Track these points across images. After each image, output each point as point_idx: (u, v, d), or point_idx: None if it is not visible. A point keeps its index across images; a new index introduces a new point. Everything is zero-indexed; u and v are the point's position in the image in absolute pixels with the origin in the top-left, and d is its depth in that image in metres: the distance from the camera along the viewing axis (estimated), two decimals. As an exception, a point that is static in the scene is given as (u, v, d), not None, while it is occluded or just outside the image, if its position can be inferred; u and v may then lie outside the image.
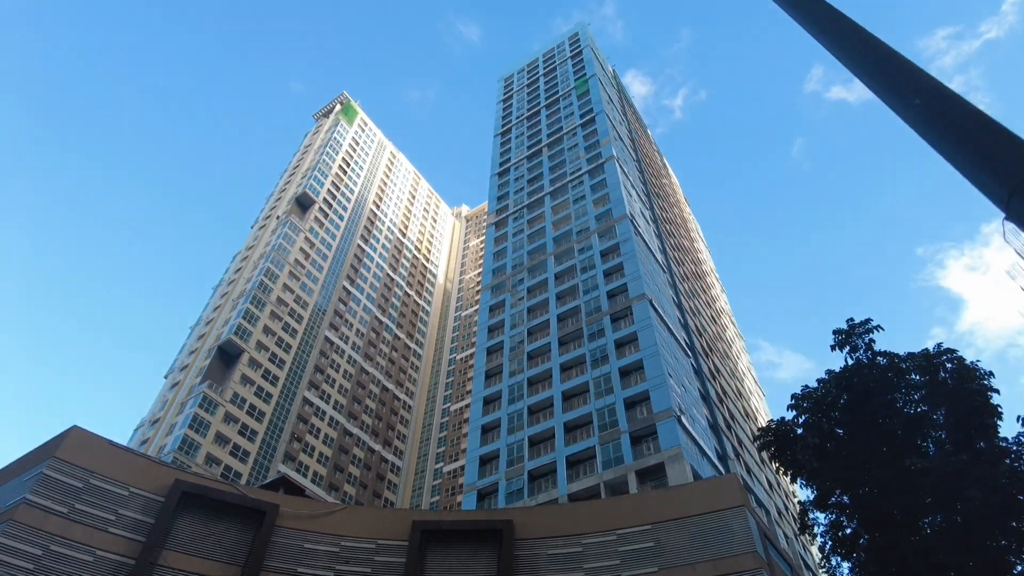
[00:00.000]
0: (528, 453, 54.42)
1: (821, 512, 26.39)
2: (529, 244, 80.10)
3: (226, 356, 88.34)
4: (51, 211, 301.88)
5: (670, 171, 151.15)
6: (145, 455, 35.99)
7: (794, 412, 27.37)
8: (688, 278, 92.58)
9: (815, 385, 27.25)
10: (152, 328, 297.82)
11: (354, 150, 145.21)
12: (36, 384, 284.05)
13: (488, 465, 56.87)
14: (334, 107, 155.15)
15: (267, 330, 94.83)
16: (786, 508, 71.91)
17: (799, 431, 27.03)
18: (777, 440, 28.01)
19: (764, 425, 34.46)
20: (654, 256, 75.76)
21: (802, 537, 71.45)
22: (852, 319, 27.46)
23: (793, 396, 27.64)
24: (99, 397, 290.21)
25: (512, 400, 60.98)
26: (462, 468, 79.46)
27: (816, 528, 26.96)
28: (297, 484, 44.50)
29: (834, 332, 27.34)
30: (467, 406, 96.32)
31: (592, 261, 70.13)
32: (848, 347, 26.95)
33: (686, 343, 68.45)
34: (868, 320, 27.06)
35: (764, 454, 38.07)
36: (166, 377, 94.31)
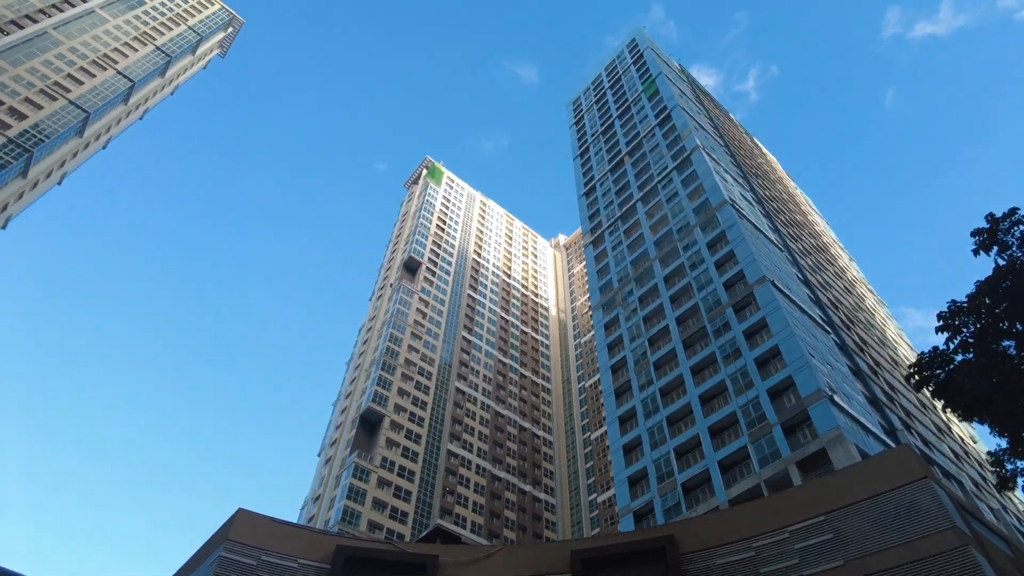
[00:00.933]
0: (677, 465, 52.01)
1: (1021, 459, 22.24)
2: (630, 254, 78.36)
3: (368, 424, 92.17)
4: (200, 321, 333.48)
5: (764, 150, 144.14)
6: (307, 527, 37.60)
7: (946, 335, 23.10)
8: (809, 252, 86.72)
9: (963, 300, 22.77)
10: (303, 412, 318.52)
11: (447, 207, 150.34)
12: (205, 474, 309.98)
13: (638, 485, 54.88)
14: (420, 173, 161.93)
15: (401, 392, 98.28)
16: (983, 479, 63.89)
17: (958, 358, 22.76)
18: (933, 367, 23.46)
19: (914, 360, 28.57)
20: (765, 236, 71.70)
21: (1009, 496, 62.90)
22: (992, 214, 22.85)
23: (940, 316, 23.13)
24: (265, 482, 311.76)
25: (648, 414, 58.88)
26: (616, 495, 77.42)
27: (1020, 479, 22.68)
28: (453, 533, 44.86)
29: (973, 233, 22.64)
30: (606, 432, 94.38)
31: (700, 256, 67.36)
32: (995, 247, 22.42)
33: (822, 319, 63.58)
34: (1015, 210, 22.26)
35: (931, 398, 32.46)
36: (319, 455, 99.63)
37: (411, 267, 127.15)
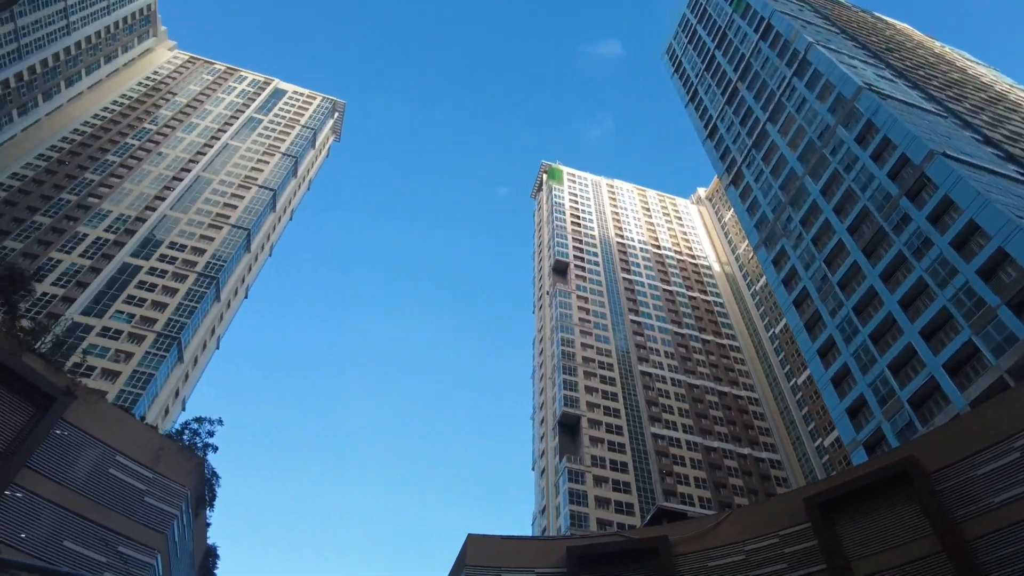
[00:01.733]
0: (896, 383, 47.09)
1: None
2: (776, 180, 72.95)
3: (568, 428, 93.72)
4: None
5: (891, 21, 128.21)
6: (537, 537, 38.67)
7: None
8: (981, 108, 75.34)
9: None
10: (506, 431, 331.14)
11: (576, 201, 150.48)
12: (432, 506, 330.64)
13: (860, 415, 50.40)
14: (541, 179, 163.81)
15: (589, 389, 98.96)
16: None
17: None
18: None
19: None
20: (920, 108, 63.43)
21: None
22: None
23: None
24: (490, 505, 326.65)
25: (847, 339, 54.04)
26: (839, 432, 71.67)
27: None
28: (676, 511, 43.98)
29: None
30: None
31: (851, 155, 61.07)
32: None
33: (1020, 174, 54.73)
34: None
35: None
36: (533, 469, 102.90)
37: (560, 270, 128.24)
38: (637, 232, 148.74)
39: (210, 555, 37.03)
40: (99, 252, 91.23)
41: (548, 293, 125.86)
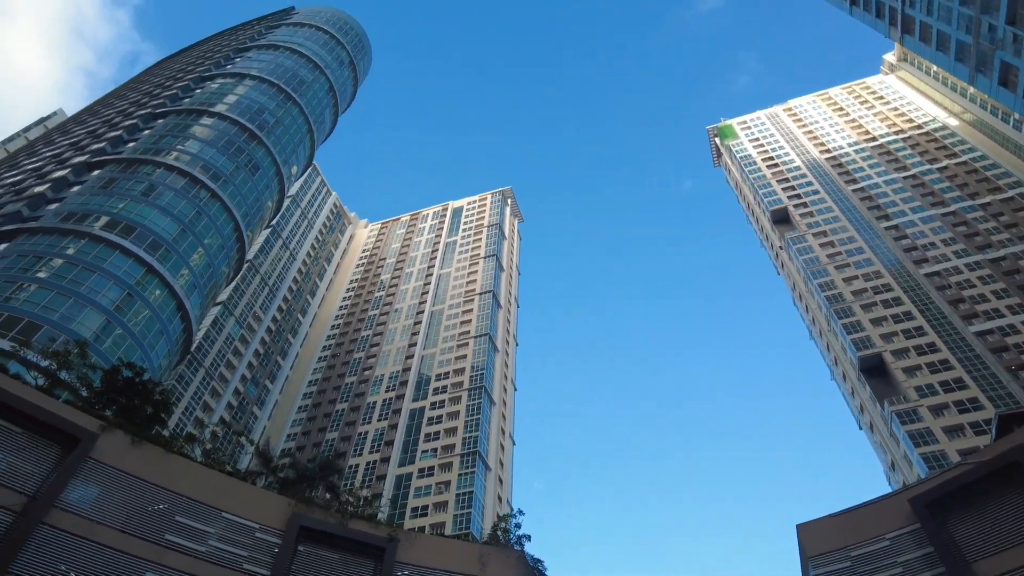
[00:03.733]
0: None
1: None
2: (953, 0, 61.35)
3: (874, 371, 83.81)
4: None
5: None
6: (866, 503, 35.10)
7: None
8: None
9: None
10: (815, 408, 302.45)
11: (761, 144, 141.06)
12: (759, 500, 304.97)
13: None
14: (715, 145, 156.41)
15: (875, 322, 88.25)
16: None
17: None
18: None
19: None
20: None
21: None
22: None
23: None
24: (826, 484, 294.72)
25: None
26: None
27: None
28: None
29: None
30: None
31: None
32: None
33: None
34: None
35: None
36: (861, 429, 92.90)
37: (780, 219, 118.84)
38: (842, 136, 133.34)
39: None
40: (389, 410, 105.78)
41: (781, 248, 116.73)
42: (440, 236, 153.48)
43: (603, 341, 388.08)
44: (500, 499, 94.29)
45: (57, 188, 65.13)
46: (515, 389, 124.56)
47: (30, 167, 78.34)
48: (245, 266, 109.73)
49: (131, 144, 72.90)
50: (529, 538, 40.00)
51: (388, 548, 30.73)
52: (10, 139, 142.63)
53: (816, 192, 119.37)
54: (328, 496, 41.16)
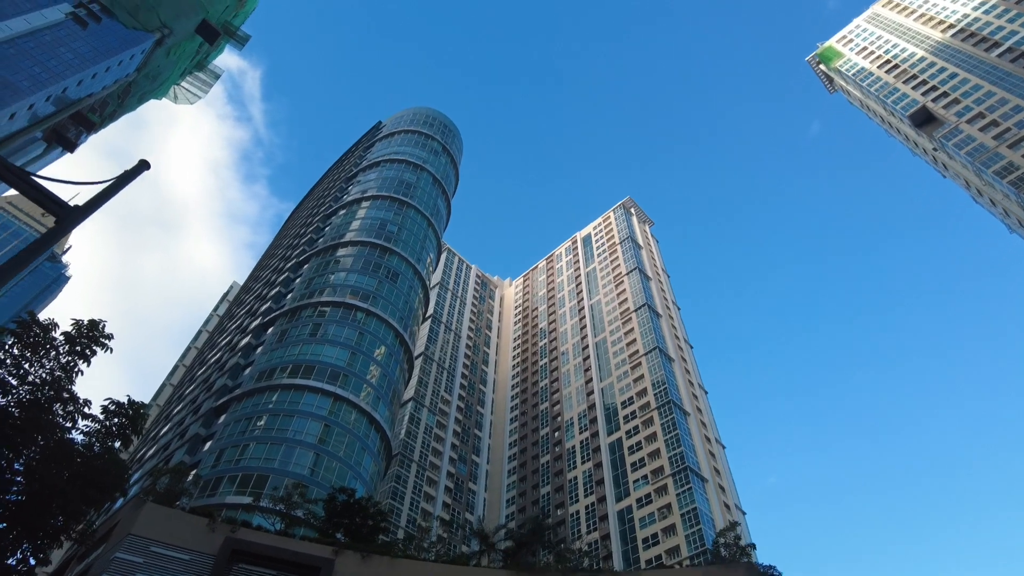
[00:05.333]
0: None
1: None
2: None
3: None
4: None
5: None
6: None
7: None
8: None
9: None
10: None
11: (871, 49, 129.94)
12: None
13: None
14: (822, 73, 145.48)
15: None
16: None
17: None
18: None
19: None
20: None
21: None
22: None
23: None
24: None
25: None
26: None
27: None
28: None
29: None
30: None
31: None
32: None
33: None
34: None
35: None
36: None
37: (923, 119, 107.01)
38: (962, 3, 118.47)
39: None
40: (589, 450, 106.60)
41: (935, 150, 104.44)
42: (579, 268, 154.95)
43: (791, 311, 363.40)
44: (727, 507, 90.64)
45: (246, 354, 75.18)
46: (705, 392, 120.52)
47: (222, 343, 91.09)
48: (420, 359, 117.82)
49: (289, 295, 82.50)
50: (754, 546, 38.72)
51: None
52: (207, 322, 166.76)
53: (954, 76, 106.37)
54: (550, 556, 42.73)
